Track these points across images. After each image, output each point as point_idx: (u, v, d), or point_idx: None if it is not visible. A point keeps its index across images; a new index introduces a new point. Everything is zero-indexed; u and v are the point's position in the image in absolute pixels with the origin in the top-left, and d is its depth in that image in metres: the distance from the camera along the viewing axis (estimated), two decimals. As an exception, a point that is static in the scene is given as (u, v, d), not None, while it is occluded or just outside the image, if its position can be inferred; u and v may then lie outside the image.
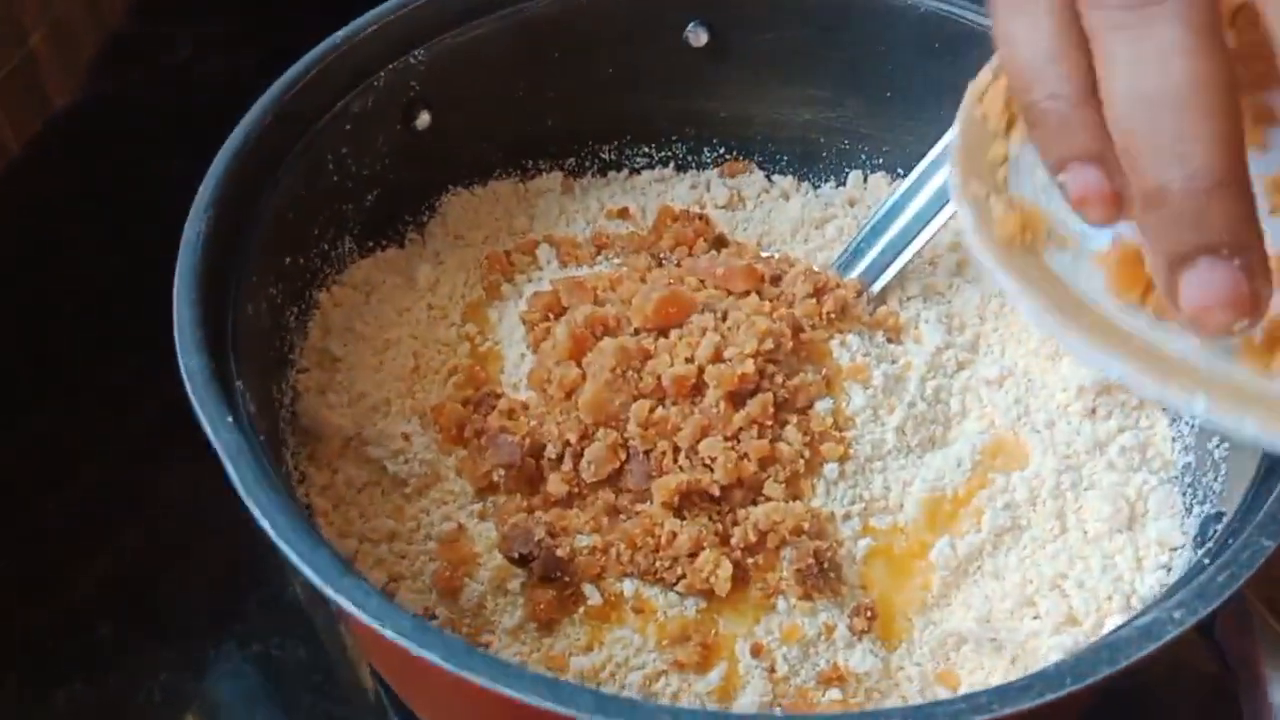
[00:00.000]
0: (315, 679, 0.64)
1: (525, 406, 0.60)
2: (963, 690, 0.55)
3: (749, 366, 0.58)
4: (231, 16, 1.02)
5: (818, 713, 0.54)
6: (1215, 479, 0.56)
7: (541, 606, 0.56)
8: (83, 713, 0.62)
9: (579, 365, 0.60)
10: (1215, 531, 0.50)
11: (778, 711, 0.54)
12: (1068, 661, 0.38)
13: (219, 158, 0.54)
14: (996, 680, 0.54)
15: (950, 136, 0.60)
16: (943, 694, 0.55)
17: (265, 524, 0.42)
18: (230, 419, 0.46)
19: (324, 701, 0.64)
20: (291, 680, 0.64)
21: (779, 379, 0.60)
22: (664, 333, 0.60)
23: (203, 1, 1.04)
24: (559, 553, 0.55)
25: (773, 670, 0.55)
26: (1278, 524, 0.42)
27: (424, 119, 0.68)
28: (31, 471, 0.71)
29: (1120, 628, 0.42)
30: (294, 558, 0.41)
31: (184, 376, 0.47)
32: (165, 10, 1.03)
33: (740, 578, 0.57)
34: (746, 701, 0.54)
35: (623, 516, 0.58)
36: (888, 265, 0.69)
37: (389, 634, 0.39)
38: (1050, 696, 0.36)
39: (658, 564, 0.56)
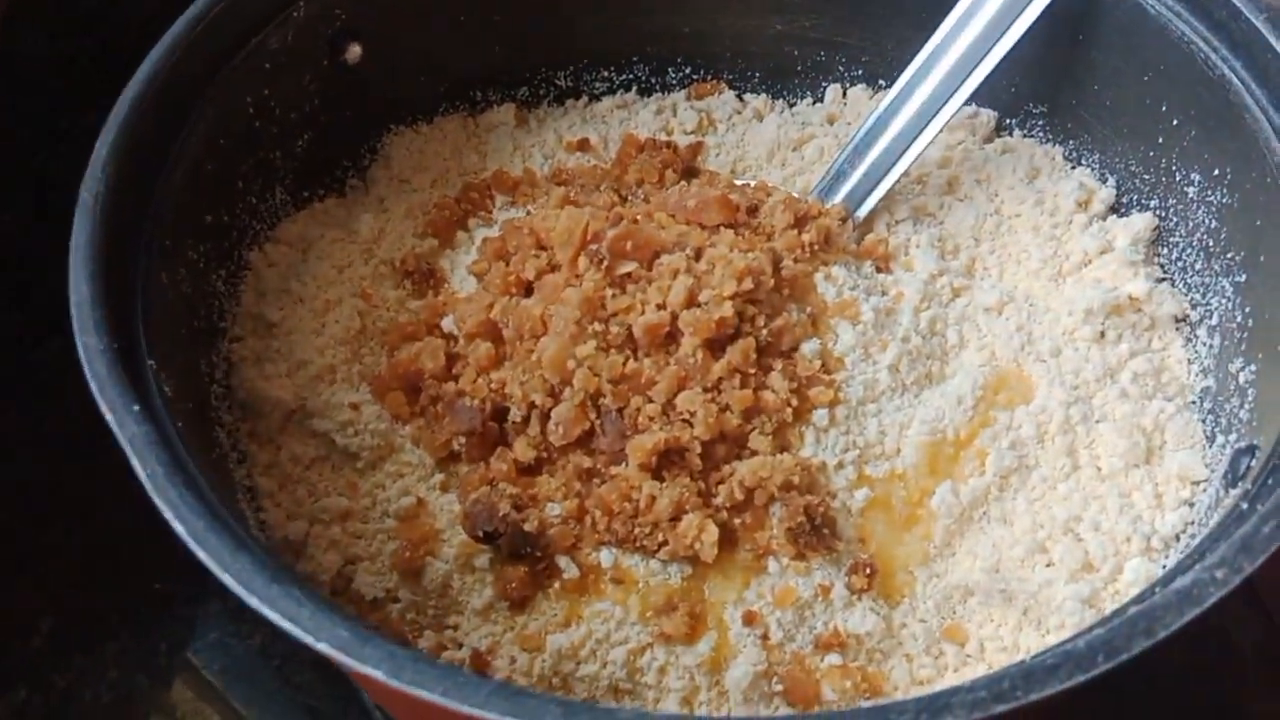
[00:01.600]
0: (274, 664, 0.60)
1: (484, 367, 0.55)
2: (971, 645, 0.51)
3: (727, 310, 0.53)
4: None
5: (818, 679, 0.50)
6: (1241, 406, 0.51)
7: (513, 585, 0.51)
8: (29, 718, 0.57)
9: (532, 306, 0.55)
10: (1249, 468, 0.45)
11: (774, 681, 0.50)
12: (1099, 635, 0.33)
13: (115, 110, 0.48)
14: (1007, 634, 0.50)
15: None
16: (950, 650, 0.51)
17: (177, 525, 0.37)
18: (137, 406, 0.40)
19: (285, 688, 0.59)
20: (249, 668, 0.60)
21: (760, 321, 0.54)
22: (631, 277, 0.54)
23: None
24: (527, 526, 0.50)
25: (766, 637, 0.51)
26: (1327, 461, 0.37)
27: (355, 52, 0.61)
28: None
29: (1154, 589, 0.37)
30: (211, 563, 0.36)
31: (82, 358, 0.41)
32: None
33: (727, 540, 0.52)
34: (740, 672, 0.49)
35: (597, 481, 0.53)
36: (873, 188, 0.63)
37: (323, 648, 0.34)
38: (1081, 677, 0.32)
39: (637, 530, 0.52)
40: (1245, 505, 0.39)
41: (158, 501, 0.37)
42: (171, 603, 0.61)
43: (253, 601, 0.35)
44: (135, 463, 0.38)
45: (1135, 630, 0.33)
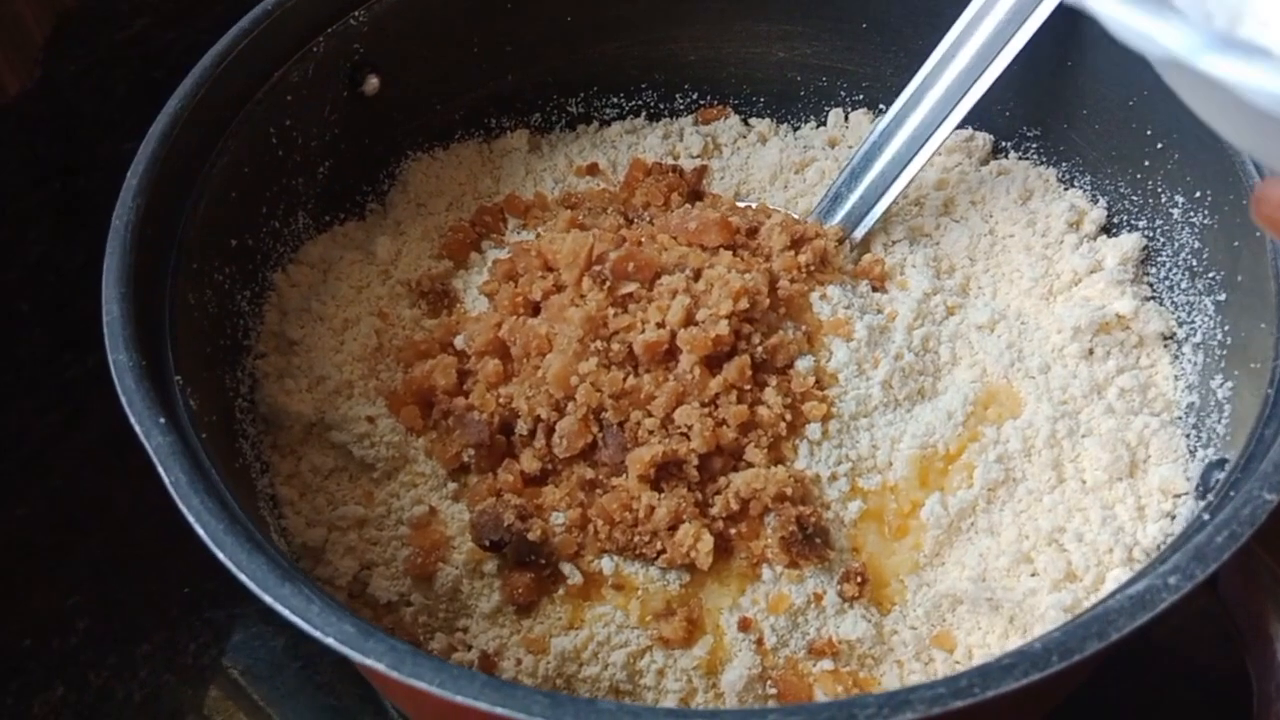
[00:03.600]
0: (297, 664, 0.63)
1: (493, 383, 0.57)
2: (959, 652, 0.52)
3: (723, 328, 0.55)
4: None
5: (811, 684, 0.52)
6: (1219, 420, 0.53)
7: (519, 590, 0.54)
8: (63, 718, 0.60)
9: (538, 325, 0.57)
10: (1217, 481, 0.47)
11: (768, 685, 0.52)
12: (1055, 636, 0.35)
13: (146, 142, 0.52)
14: (994, 641, 0.52)
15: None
16: (939, 657, 0.53)
17: (199, 528, 0.40)
18: (162, 418, 0.43)
19: (308, 687, 0.62)
20: (274, 668, 0.63)
21: (756, 339, 0.57)
22: (632, 297, 0.57)
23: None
24: (531, 536, 0.53)
25: (761, 642, 0.53)
26: (1280, 474, 0.39)
27: (373, 83, 0.64)
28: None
29: (1112, 595, 0.39)
30: (230, 564, 0.39)
31: (113, 373, 0.45)
32: (114, -17, 0.99)
33: (723, 549, 0.54)
34: (735, 675, 0.52)
35: (599, 491, 0.56)
36: (870, 209, 0.66)
37: (330, 642, 0.36)
38: (1036, 676, 0.34)
39: (636, 539, 0.54)
40: (1206, 516, 0.40)
41: (181, 506, 0.40)
42: (200, 605, 0.64)
43: (266, 598, 0.38)
44: (160, 471, 0.41)
45: (1089, 633, 0.35)
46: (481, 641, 0.53)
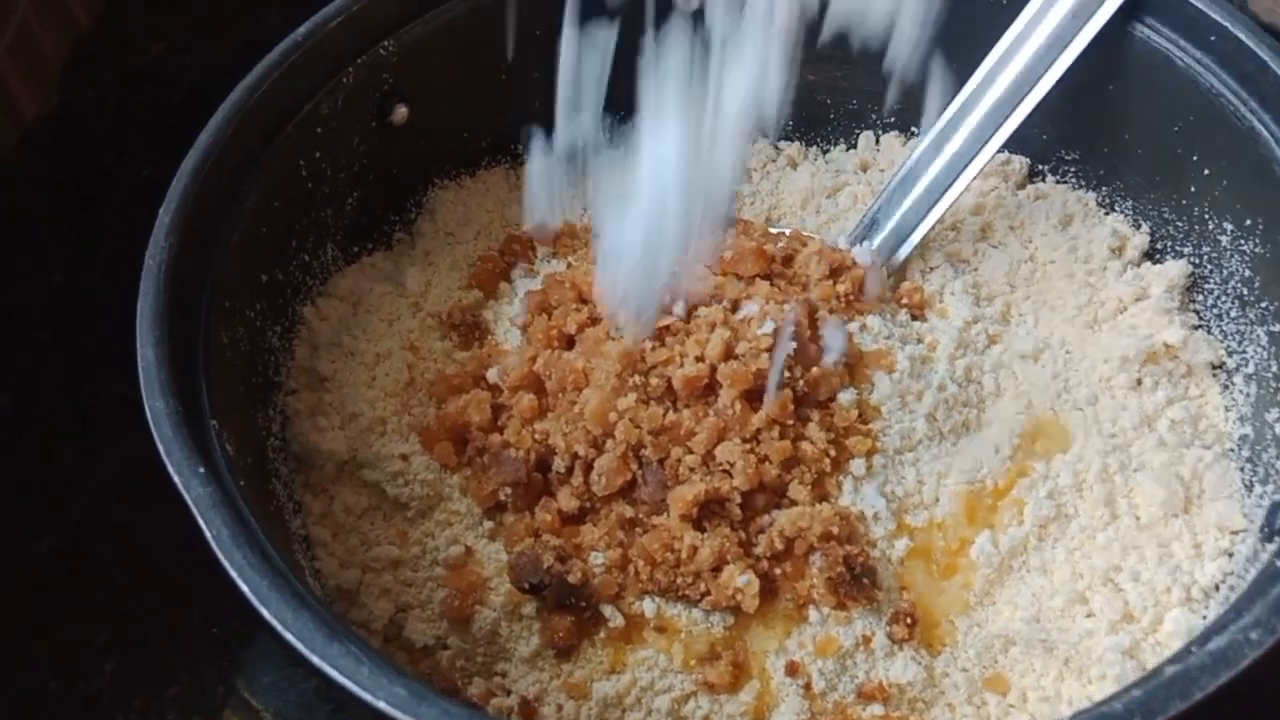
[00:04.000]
0: (329, 708, 0.61)
1: (528, 419, 0.56)
2: (1013, 695, 0.51)
3: (764, 361, 0.54)
4: (198, 10, 0.97)
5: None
6: (1278, 456, 0.51)
7: (560, 634, 0.52)
8: (91, 761, 0.59)
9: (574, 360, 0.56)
10: (1286, 523, 0.46)
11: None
12: (1135, 697, 0.34)
13: (177, 180, 0.50)
14: (1049, 684, 0.51)
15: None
16: (992, 700, 0.51)
17: (242, 585, 0.39)
18: (202, 467, 0.42)
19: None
20: (305, 710, 0.61)
21: (797, 372, 0.56)
22: (669, 330, 0.56)
23: (169, -4, 0.99)
24: (571, 578, 0.51)
25: (809, 687, 0.51)
26: (1361, 521, 0.38)
27: (401, 113, 0.63)
28: (19, 511, 0.68)
29: (1190, 649, 0.37)
30: (274, 622, 0.38)
31: (150, 422, 0.43)
32: (130, 9, 0.98)
33: (768, 590, 0.53)
34: (783, 721, 0.50)
35: (639, 530, 0.54)
36: (908, 235, 0.65)
37: (383, 707, 0.35)
38: (1117, 740, 0.33)
39: (679, 580, 0.53)
40: (1279, 562, 0.39)
41: (224, 562, 0.39)
42: (229, 644, 0.63)
43: (314, 660, 0.37)
44: (202, 524, 0.40)
45: (1171, 693, 0.34)
46: (521, 686, 0.52)
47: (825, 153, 0.74)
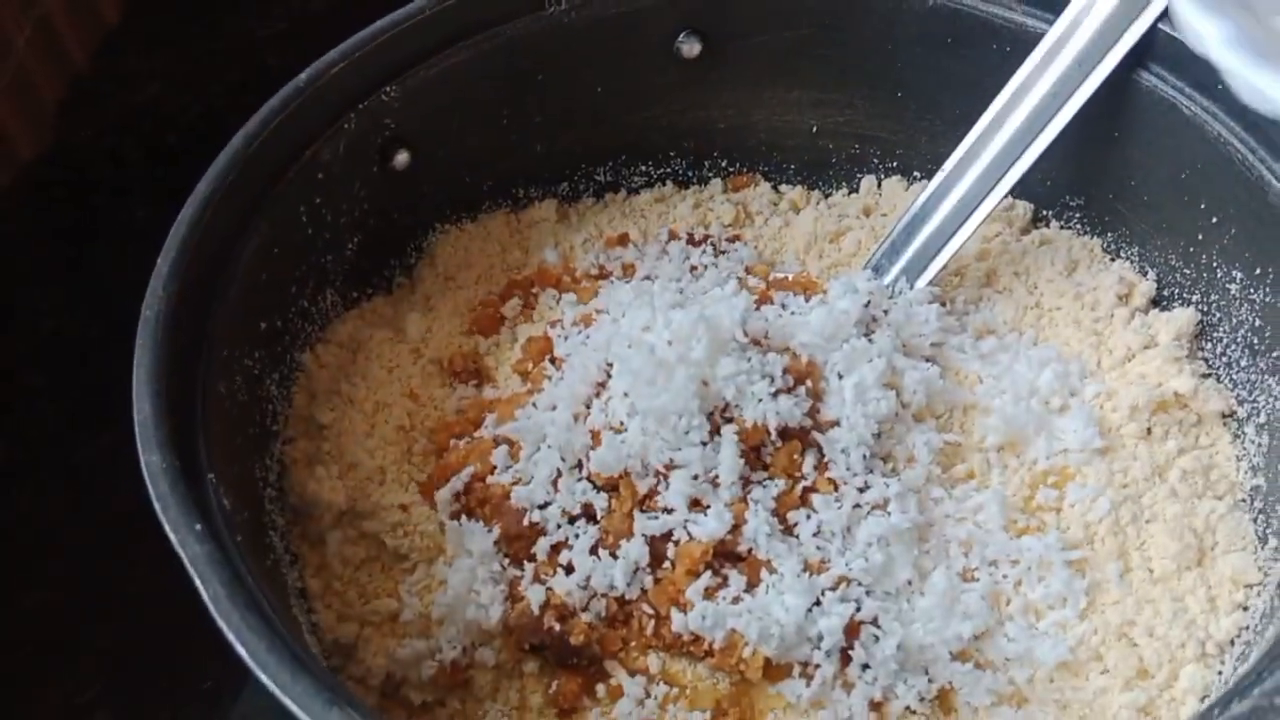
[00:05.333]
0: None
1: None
2: (1026, 754, 0.50)
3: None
4: (196, 50, 0.97)
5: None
6: (1294, 508, 0.51)
7: (563, 694, 0.51)
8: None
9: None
10: (1307, 580, 0.45)
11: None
12: (1163, 768, 0.33)
13: (175, 228, 0.50)
14: (1064, 743, 0.50)
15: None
16: (1005, 759, 0.50)
17: (239, 648, 0.38)
18: (199, 525, 0.41)
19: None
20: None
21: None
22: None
23: (167, 36, 0.99)
24: (573, 640, 0.50)
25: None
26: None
27: (402, 158, 0.63)
28: (7, 562, 0.66)
29: (1214, 711, 0.36)
30: (273, 686, 0.37)
31: (146, 478, 0.42)
32: (127, 49, 0.98)
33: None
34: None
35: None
36: (914, 279, 0.64)
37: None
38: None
39: (685, 637, 0.52)
40: (1306, 624, 0.38)
41: (221, 624, 0.38)
42: (220, 697, 0.61)
43: (314, 729, 0.36)
44: (198, 584, 0.39)
45: (1200, 763, 0.33)
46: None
47: (827, 196, 0.74)
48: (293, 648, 0.39)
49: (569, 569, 0.54)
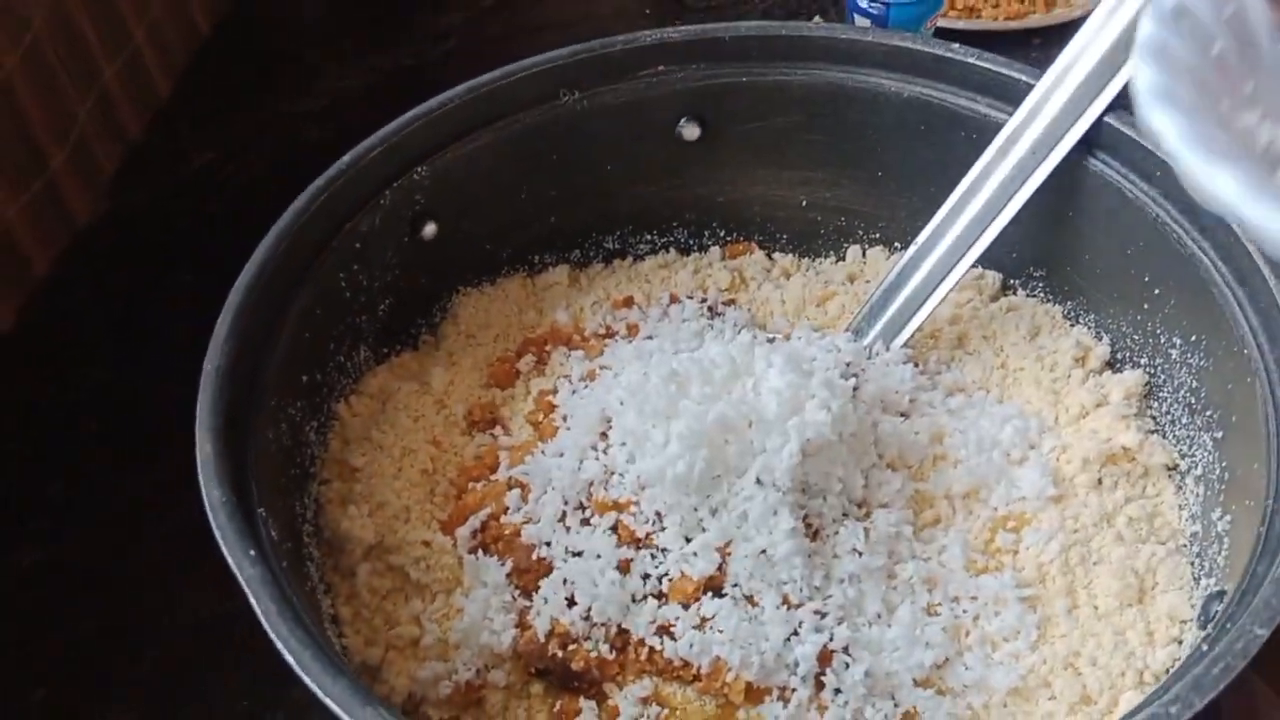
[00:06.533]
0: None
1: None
2: (982, 772, 0.55)
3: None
4: (241, 125, 1.05)
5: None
6: (1219, 552, 0.56)
7: (565, 714, 0.57)
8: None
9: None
10: (1216, 612, 0.50)
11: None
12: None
13: (234, 291, 0.57)
14: (1015, 761, 0.55)
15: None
16: (963, 777, 0.56)
17: (289, 656, 0.44)
18: (253, 550, 0.48)
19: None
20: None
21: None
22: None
23: (215, 111, 1.07)
24: (574, 665, 0.56)
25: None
26: (1271, 610, 0.43)
27: (430, 229, 0.70)
28: (61, 594, 0.72)
29: (1124, 722, 0.42)
30: (316, 689, 0.43)
31: (208, 511, 0.49)
32: (179, 121, 1.06)
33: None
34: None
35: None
36: (892, 339, 0.71)
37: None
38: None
39: (675, 662, 0.57)
40: (1205, 646, 0.44)
41: (272, 636, 0.44)
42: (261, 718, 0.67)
43: (351, 724, 0.42)
44: (253, 601, 0.45)
45: (1098, 761, 0.39)
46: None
47: (814, 261, 0.81)
48: (331, 657, 0.45)
49: (572, 601, 0.60)
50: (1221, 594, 0.52)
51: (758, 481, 0.58)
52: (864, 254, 0.80)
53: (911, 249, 0.70)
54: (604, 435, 0.63)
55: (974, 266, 0.70)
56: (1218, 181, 0.37)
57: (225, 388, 0.54)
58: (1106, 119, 0.64)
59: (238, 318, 0.56)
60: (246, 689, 0.67)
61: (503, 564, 0.61)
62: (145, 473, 0.79)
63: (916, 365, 0.70)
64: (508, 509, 0.62)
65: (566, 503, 0.61)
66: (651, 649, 0.58)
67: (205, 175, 1.02)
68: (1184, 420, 0.63)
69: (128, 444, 0.81)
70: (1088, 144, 0.65)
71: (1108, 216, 0.66)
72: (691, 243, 0.82)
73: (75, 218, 0.96)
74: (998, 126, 0.67)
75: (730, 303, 0.78)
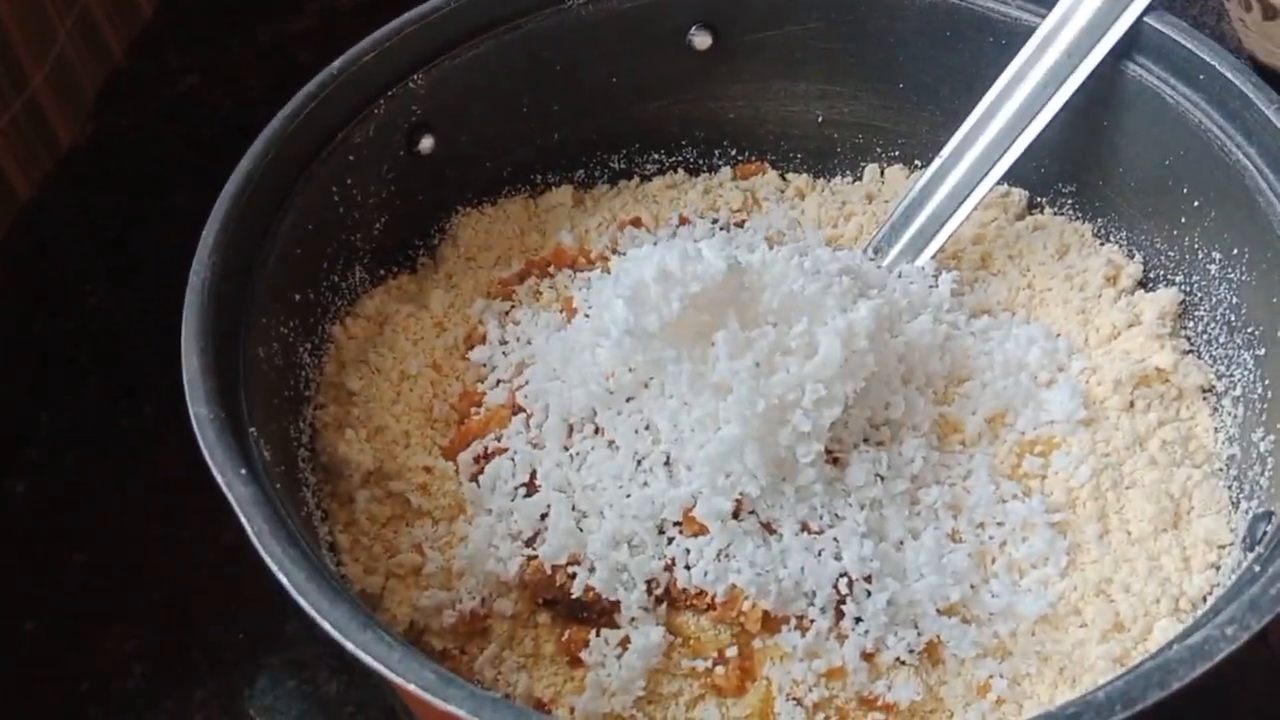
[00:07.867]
0: (347, 710, 0.64)
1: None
2: (1008, 705, 0.53)
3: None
4: (230, 46, 1.01)
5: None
6: (1262, 473, 0.54)
7: (573, 643, 0.55)
8: (121, 761, 0.61)
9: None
10: (1265, 533, 0.48)
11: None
12: (1117, 686, 0.36)
13: (219, 202, 0.54)
14: (1044, 692, 0.53)
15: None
16: (987, 706, 0.53)
17: (282, 578, 0.41)
18: (243, 469, 0.45)
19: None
20: (324, 714, 0.63)
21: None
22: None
23: (202, 32, 1.03)
24: (584, 596, 0.54)
25: (806, 702, 0.53)
26: (1332, 528, 0.40)
27: (427, 143, 0.67)
28: (56, 523, 0.71)
29: (1170, 645, 0.40)
30: (313, 612, 0.40)
31: (195, 427, 0.46)
32: (165, 43, 1.02)
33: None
34: (787, 723, 0.52)
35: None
36: (912, 261, 0.67)
37: (414, 689, 0.38)
38: (1100, 725, 0.35)
39: (689, 592, 0.55)
40: (1257, 568, 0.41)
41: (265, 556, 0.42)
42: (255, 652, 0.65)
43: (349, 645, 0.39)
44: (244, 521, 0.43)
45: (1150, 682, 0.36)
46: (537, 689, 0.54)
47: (829, 181, 0.77)
48: (329, 579, 0.42)
49: (579, 529, 0.58)
50: (1269, 514, 0.50)
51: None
52: (882, 173, 0.77)
53: (935, 163, 0.67)
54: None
55: (999, 183, 0.67)
56: None
57: (212, 302, 0.51)
58: (1146, 19, 0.60)
59: (224, 229, 0.53)
60: (245, 621, 0.66)
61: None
62: (139, 401, 0.77)
63: (938, 284, 0.66)
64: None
65: (565, 422, 0.58)
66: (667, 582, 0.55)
67: (192, 98, 0.98)
68: (1222, 339, 0.60)
69: (120, 372, 0.79)
70: (1125, 46, 0.61)
71: (1145, 125, 0.62)
72: (701, 162, 0.78)
73: (57, 141, 0.93)
74: (1029, 30, 0.63)
75: (741, 224, 0.74)
